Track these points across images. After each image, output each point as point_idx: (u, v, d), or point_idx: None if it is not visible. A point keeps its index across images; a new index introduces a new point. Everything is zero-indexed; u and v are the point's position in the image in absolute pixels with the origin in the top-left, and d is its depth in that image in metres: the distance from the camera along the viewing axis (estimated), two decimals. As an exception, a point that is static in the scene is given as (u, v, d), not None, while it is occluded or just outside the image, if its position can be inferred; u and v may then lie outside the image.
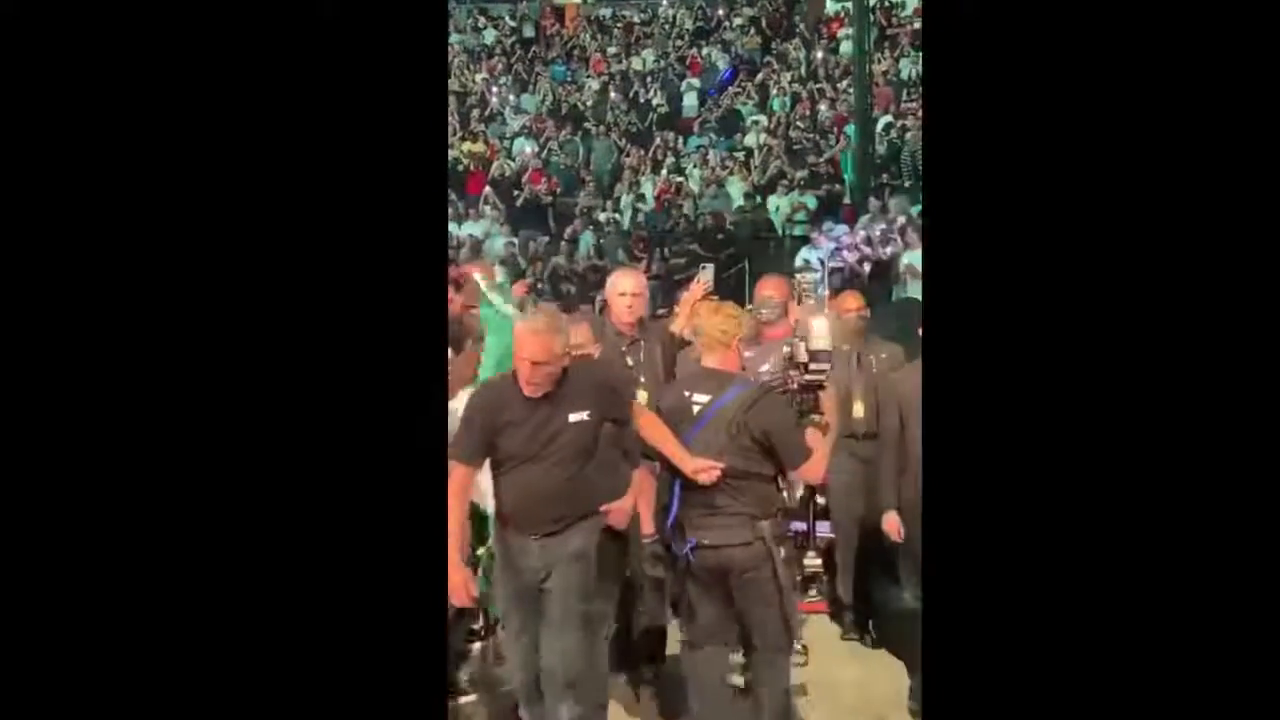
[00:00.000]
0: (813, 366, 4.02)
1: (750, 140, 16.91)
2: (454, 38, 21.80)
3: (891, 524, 4.62)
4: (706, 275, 4.90)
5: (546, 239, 15.26)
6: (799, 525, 4.32)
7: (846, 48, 17.74)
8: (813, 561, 4.28)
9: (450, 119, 19.06)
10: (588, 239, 15.26)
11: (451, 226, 16.41)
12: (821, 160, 15.56)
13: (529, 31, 21.67)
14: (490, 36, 21.80)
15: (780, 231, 14.57)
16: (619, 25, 21.43)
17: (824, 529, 4.66)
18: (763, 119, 17.27)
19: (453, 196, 16.98)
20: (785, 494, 4.02)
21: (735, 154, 16.65)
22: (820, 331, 4.00)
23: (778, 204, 14.92)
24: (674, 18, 21.26)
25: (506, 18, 22.15)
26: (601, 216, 15.86)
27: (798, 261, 13.05)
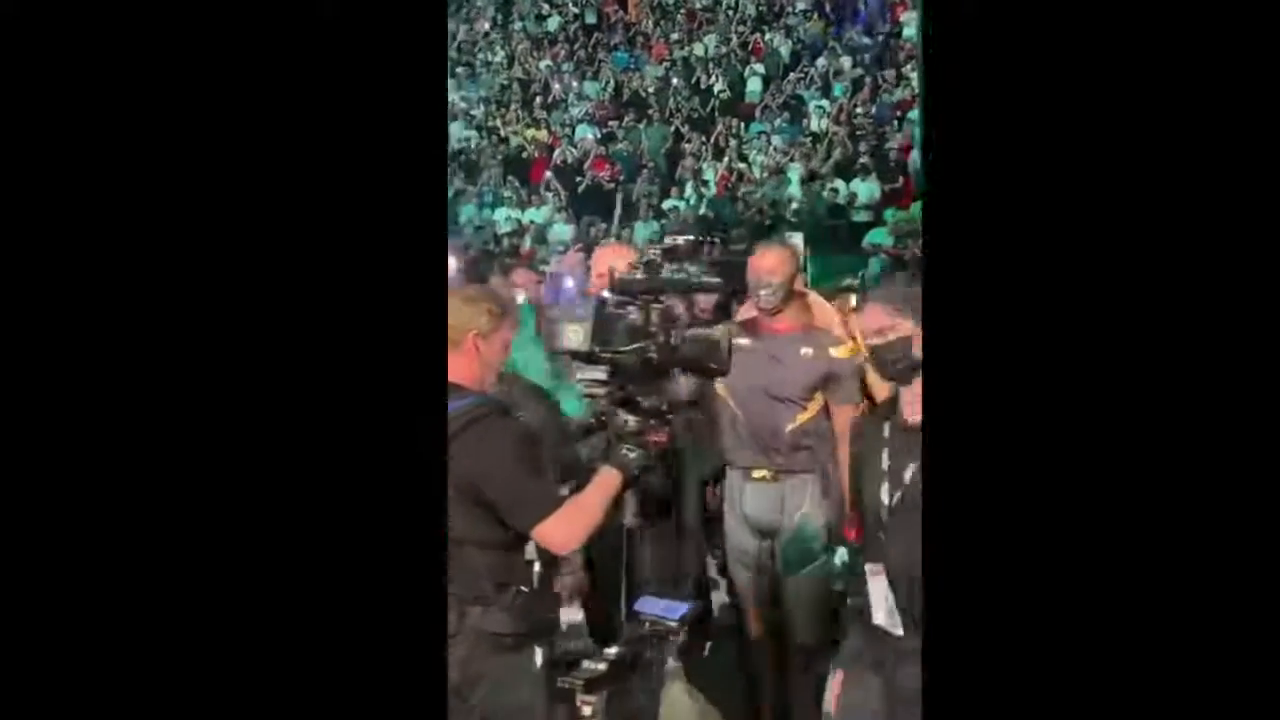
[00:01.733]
0: (581, 375, 2.83)
1: (814, 126, 16.79)
2: (516, 24, 21.90)
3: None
4: (796, 241, 4.25)
5: (605, 225, 15.31)
6: (658, 606, 2.84)
7: (910, 33, 17.54)
8: (590, 667, 2.72)
9: (513, 106, 19.19)
10: (650, 225, 15.27)
11: (514, 213, 16.54)
12: (892, 147, 15.40)
13: (591, 18, 21.68)
14: (554, 23, 21.85)
15: (848, 216, 14.48)
16: (681, 11, 21.36)
17: (671, 610, 2.86)
18: (826, 104, 17.13)
19: (515, 183, 17.12)
20: (537, 565, 2.75)
21: (801, 140, 16.54)
22: (572, 325, 2.81)
23: (836, 189, 14.83)
24: (736, 3, 21.14)
25: (570, 4, 22.17)
26: (667, 204, 15.88)
27: (865, 244, 12.97)
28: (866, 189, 14.80)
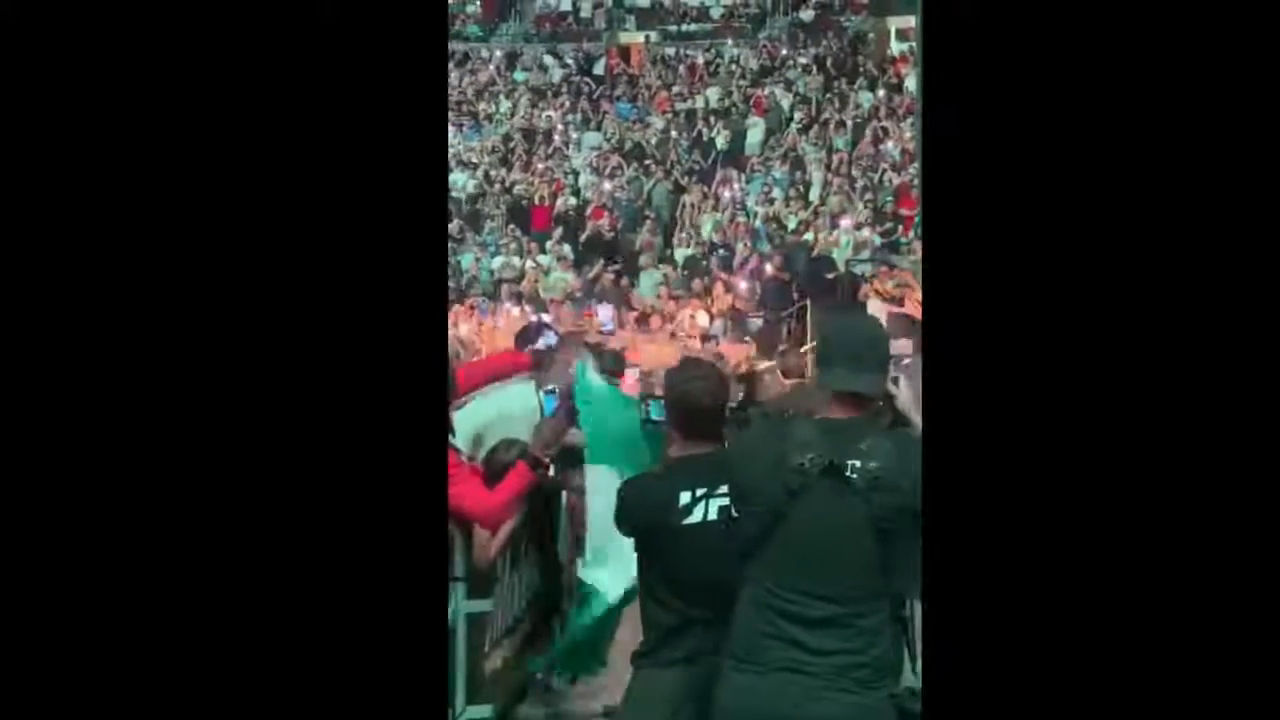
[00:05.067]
0: None
1: (814, 178, 16.91)
2: (519, 75, 22.16)
3: None
4: None
5: (612, 275, 15.43)
6: None
7: (911, 84, 17.72)
8: None
9: (517, 153, 19.38)
10: (653, 275, 15.38)
11: (514, 260, 16.62)
12: (890, 199, 15.52)
13: (598, 70, 21.93)
14: (557, 75, 22.09)
15: (843, 268, 14.53)
16: (684, 64, 21.59)
17: None
18: (824, 155, 17.27)
19: (517, 231, 17.24)
20: None
21: (797, 188, 16.67)
22: None
23: (840, 240, 14.90)
24: (738, 57, 21.39)
25: (570, 56, 22.45)
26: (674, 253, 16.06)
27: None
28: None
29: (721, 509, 2.89)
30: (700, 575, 2.86)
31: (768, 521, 2.50)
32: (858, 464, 2.42)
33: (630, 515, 3.07)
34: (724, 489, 2.89)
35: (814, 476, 2.44)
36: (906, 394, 2.71)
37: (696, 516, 2.91)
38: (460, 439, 3.81)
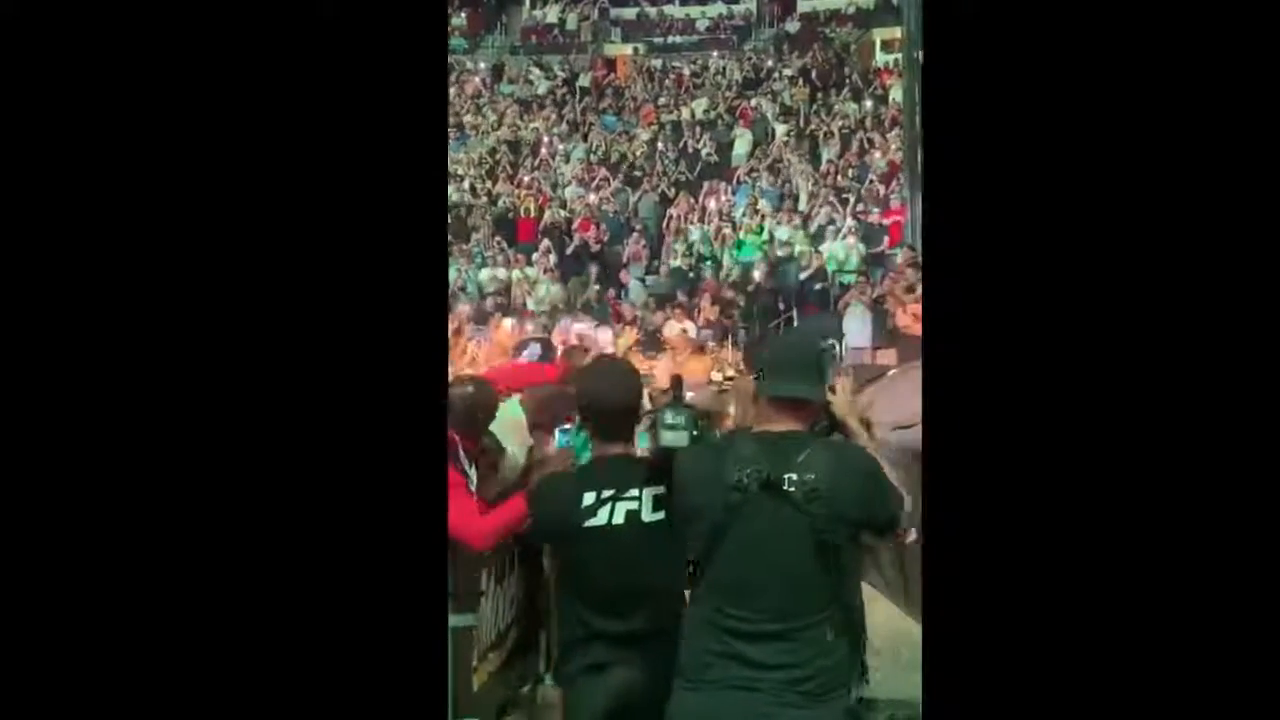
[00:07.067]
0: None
1: (800, 189, 16.95)
2: (505, 87, 22.18)
3: None
4: None
5: (598, 286, 15.44)
6: None
7: (896, 95, 17.79)
8: None
9: (504, 165, 19.38)
10: (635, 287, 15.40)
11: (500, 272, 16.60)
12: (875, 212, 15.57)
13: (584, 82, 21.97)
14: (544, 87, 22.11)
15: (830, 278, 14.56)
16: (670, 76, 21.64)
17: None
18: (809, 168, 17.32)
19: (503, 243, 17.23)
20: None
21: (784, 200, 16.70)
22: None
23: (826, 250, 14.94)
24: (724, 69, 21.45)
25: (557, 68, 22.49)
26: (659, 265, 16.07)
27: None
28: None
29: (629, 513, 2.80)
30: (605, 583, 2.79)
31: (710, 539, 2.50)
32: (795, 477, 2.44)
33: (535, 515, 2.96)
34: (634, 491, 2.81)
35: (753, 491, 2.44)
36: (843, 400, 2.74)
37: (601, 519, 2.78)
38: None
